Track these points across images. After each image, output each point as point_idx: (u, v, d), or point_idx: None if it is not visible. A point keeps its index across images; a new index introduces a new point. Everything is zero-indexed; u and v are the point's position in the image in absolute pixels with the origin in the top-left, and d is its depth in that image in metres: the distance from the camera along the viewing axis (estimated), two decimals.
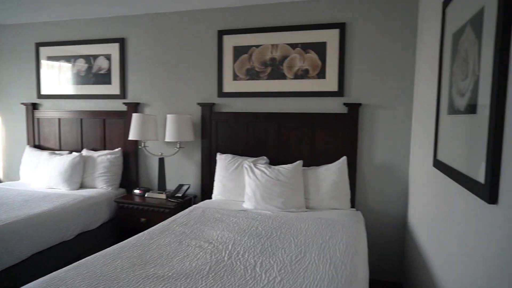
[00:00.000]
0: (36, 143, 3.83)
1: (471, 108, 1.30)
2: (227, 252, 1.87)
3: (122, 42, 3.50)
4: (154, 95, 3.46)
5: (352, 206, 2.84)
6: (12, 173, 4.02)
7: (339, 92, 2.89)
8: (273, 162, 3.01)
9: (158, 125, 3.37)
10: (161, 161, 3.25)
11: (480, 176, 1.16)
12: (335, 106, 2.92)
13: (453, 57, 1.60)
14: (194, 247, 1.93)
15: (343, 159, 2.80)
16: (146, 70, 3.46)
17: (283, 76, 3.04)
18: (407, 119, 2.79)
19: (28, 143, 3.84)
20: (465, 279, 1.33)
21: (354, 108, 2.84)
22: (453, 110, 1.56)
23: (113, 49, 3.54)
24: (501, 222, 1.02)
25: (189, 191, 3.33)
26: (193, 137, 3.20)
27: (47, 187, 3.30)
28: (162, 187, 3.24)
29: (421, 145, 2.38)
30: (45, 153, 3.48)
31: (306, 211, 2.64)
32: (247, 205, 2.72)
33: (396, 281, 2.88)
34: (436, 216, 1.84)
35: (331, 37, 2.90)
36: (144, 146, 3.29)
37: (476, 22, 1.29)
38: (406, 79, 2.77)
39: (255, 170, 2.76)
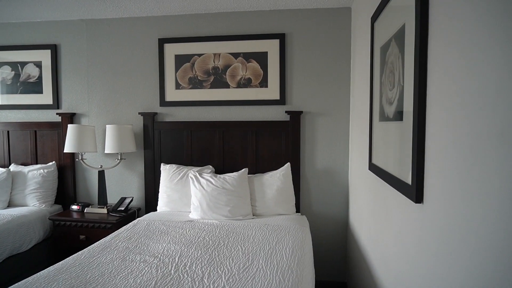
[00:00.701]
0: None
1: (399, 115, 1.42)
2: (174, 265, 1.82)
3: (54, 48, 3.28)
4: (91, 105, 3.28)
5: (297, 211, 2.92)
6: None
7: (281, 101, 2.98)
8: (219, 170, 3.01)
9: (97, 136, 3.20)
10: (101, 173, 3.09)
11: (408, 178, 1.27)
12: (277, 114, 3.01)
13: (382, 68, 1.74)
14: (138, 263, 1.86)
15: (287, 165, 2.88)
16: (82, 78, 3.28)
17: (226, 85, 3.06)
18: (345, 125, 2.96)
19: None
20: (399, 273, 1.44)
21: (295, 116, 2.94)
22: (384, 117, 1.69)
23: (44, 56, 3.31)
24: (426, 219, 1.12)
25: (133, 204, 3.20)
26: (135, 147, 3.09)
27: None
28: (102, 201, 3.07)
29: (358, 150, 2.54)
30: None
31: (253, 218, 2.67)
32: (194, 215, 2.68)
33: (341, 281, 3.02)
34: (373, 216, 1.97)
35: (271, 47, 2.98)
36: (82, 159, 3.11)
37: (399, 37, 1.42)
38: (343, 87, 2.94)
39: (201, 179, 2.74)
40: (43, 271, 1.77)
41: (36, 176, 3.11)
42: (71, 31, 3.26)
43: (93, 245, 2.14)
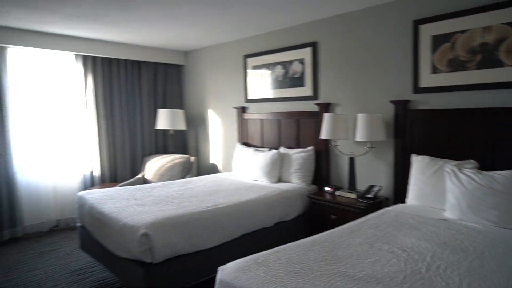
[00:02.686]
0: (244, 140, 4.51)
1: None
2: (425, 264, 1.70)
3: (314, 46, 3.69)
4: (344, 95, 3.49)
5: None
6: (227, 165, 4.87)
7: None
8: (484, 167, 2.53)
9: (349, 125, 3.38)
10: (351, 160, 3.25)
11: None
12: None
13: None
14: (386, 252, 1.85)
15: None
16: (336, 70, 3.54)
17: (499, 64, 2.51)
18: None
19: (239, 141, 4.57)
20: None
21: None
22: None
23: (306, 54, 3.77)
24: None
25: (380, 193, 3.20)
26: (385, 136, 3.06)
27: (251, 179, 3.85)
28: (352, 186, 3.24)
29: None
30: (251, 150, 4.06)
31: None
32: (449, 214, 2.40)
33: None
34: None
35: None
36: (335, 145, 3.38)
37: None
38: None
39: (460, 175, 2.40)
40: (302, 239, 2.06)
41: (298, 158, 3.64)
42: (328, 27, 3.56)
43: (342, 226, 2.29)
